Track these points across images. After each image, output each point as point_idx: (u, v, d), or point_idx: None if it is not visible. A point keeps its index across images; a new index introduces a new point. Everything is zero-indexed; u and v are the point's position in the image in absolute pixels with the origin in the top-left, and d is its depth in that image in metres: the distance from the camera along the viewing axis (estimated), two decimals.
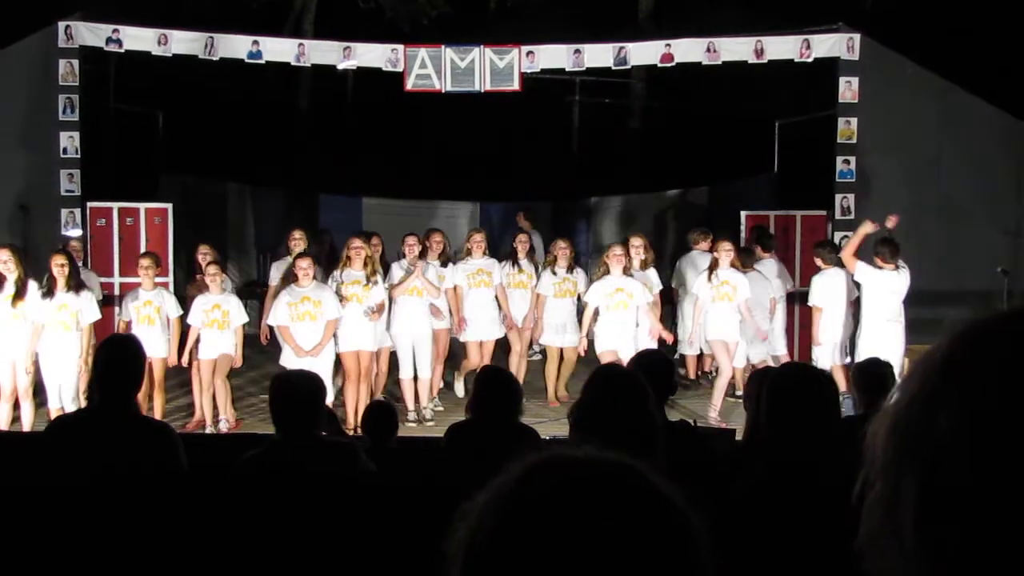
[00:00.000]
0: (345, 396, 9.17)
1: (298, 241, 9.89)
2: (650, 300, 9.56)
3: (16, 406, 8.71)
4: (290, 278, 8.94)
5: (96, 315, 8.68)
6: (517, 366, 10.16)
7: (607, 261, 9.52)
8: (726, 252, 9.59)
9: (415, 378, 9.71)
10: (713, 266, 9.65)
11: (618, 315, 9.33)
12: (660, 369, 4.84)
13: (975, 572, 0.86)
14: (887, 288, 9.27)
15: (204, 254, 9.76)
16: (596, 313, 9.50)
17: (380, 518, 3.90)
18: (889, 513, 0.91)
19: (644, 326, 9.49)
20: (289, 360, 8.66)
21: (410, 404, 9.69)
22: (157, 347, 8.71)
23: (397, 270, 9.65)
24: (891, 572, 0.91)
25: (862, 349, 9.16)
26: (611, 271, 9.44)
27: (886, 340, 9.13)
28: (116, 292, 10.75)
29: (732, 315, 9.58)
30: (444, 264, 10.01)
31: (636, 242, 10.13)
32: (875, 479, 0.94)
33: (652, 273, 10.10)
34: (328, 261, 9.62)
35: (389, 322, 9.58)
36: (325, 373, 8.38)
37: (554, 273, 10.08)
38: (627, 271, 9.52)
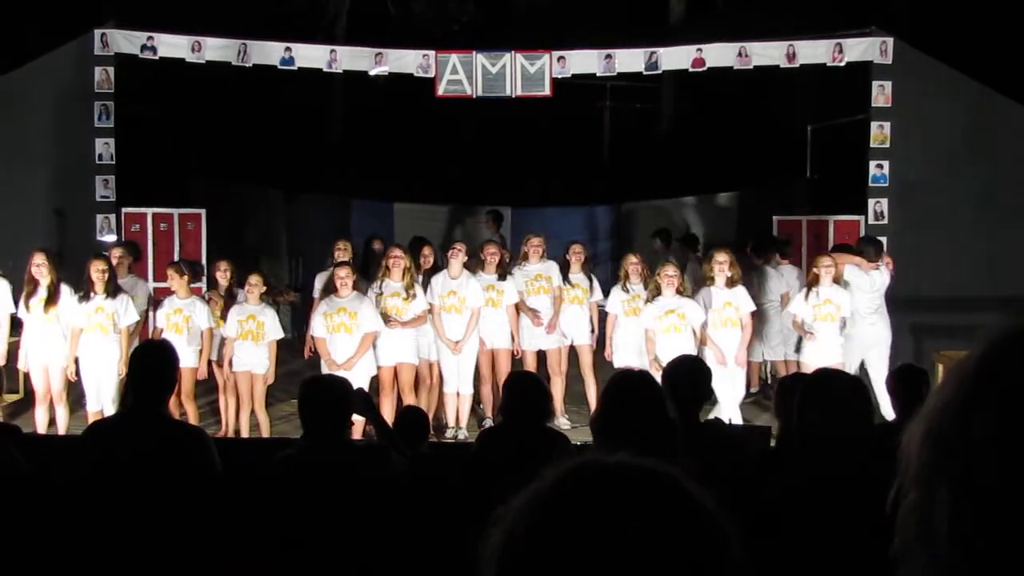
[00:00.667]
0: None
1: (342, 252, 9.52)
2: (703, 320, 8.79)
3: (52, 408, 8.82)
4: (330, 288, 8.73)
5: (134, 318, 8.76)
6: (564, 391, 9.71)
7: (659, 281, 8.80)
8: (826, 268, 8.89)
9: (458, 394, 9.34)
10: (812, 283, 8.97)
11: (670, 340, 8.57)
12: (693, 375, 4.84)
13: None
14: (870, 287, 9.23)
15: (224, 271, 9.42)
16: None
17: (411, 521, 3.91)
18: (924, 520, 0.91)
19: (712, 353, 8.72)
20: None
21: (451, 421, 9.34)
22: (184, 357, 8.15)
23: (436, 284, 9.21)
24: None
25: (845, 346, 9.15)
26: (663, 292, 8.75)
27: (868, 336, 9.17)
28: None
29: (835, 337, 8.90)
30: (502, 277, 9.40)
31: (721, 258, 9.00)
32: (910, 486, 0.93)
33: (741, 291, 9.01)
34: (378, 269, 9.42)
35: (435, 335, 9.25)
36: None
37: (625, 290, 9.38)
38: (680, 291, 8.84)
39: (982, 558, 0.86)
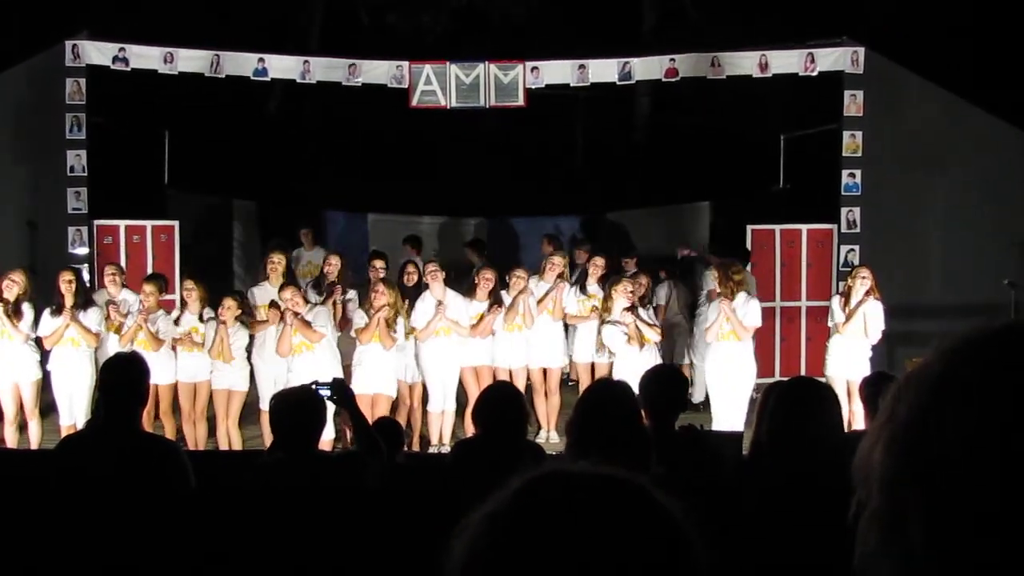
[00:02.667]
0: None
1: (276, 265, 9.22)
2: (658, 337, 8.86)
3: (23, 426, 8.71)
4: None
5: (103, 332, 8.71)
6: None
7: (627, 331, 8.60)
8: (862, 279, 8.67)
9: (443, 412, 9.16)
10: (847, 294, 8.77)
11: (634, 355, 8.57)
12: (671, 383, 4.88)
13: None
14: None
15: (189, 290, 8.95)
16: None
17: (384, 532, 3.89)
18: (893, 529, 0.92)
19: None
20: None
21: (434, 438, 9.18)
22: (159, 373, 8.09)
23: (420, 307, 9.00)
24: None
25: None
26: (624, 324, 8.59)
27: None
28: None
29: (863, 352, 8.64)
30: (491, 307, 9.11)
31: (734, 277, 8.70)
32: (872, 497, 0.94)
33: (752, 304, 8.69)
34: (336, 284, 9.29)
35: (417, 356, 9.13)
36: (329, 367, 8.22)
37: (584, 292, 9.45)
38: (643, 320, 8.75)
39: (962, 560, 0.88)
